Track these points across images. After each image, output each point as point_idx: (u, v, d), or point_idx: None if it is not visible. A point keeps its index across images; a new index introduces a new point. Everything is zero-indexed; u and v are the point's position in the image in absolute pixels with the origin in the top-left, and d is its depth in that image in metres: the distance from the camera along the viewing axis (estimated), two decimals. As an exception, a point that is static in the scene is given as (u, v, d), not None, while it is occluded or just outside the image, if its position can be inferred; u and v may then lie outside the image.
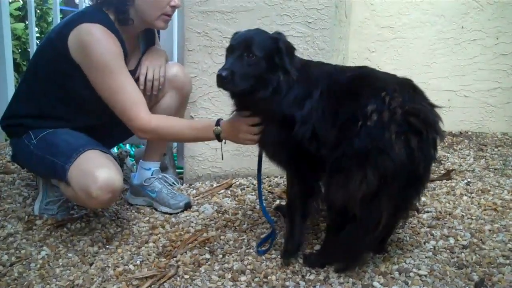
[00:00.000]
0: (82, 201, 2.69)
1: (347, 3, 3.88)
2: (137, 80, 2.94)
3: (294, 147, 2.39)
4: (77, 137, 2.80)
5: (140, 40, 3.04)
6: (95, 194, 2.56)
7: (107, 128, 2.93)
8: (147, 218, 3.09)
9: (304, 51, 3.24)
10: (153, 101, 3.09)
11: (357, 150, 2.09)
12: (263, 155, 2.68)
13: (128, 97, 2.67)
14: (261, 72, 2.32)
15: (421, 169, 2.13)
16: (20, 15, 5.77)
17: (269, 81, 2.34)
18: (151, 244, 2.78)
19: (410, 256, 2.48)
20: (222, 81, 2.26)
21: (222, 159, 2.90)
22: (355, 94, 2.21)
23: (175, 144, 3.88)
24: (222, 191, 3.36)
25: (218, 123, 2.60)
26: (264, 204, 2.85)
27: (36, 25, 4.22)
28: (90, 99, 2.76)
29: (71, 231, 2.94)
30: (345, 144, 2.14)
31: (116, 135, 3.13)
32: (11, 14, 4.30)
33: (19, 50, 5.36)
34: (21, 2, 5.95)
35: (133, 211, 3.20)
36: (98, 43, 2.60)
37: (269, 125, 2.48)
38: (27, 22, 5.60)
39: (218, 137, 2.61)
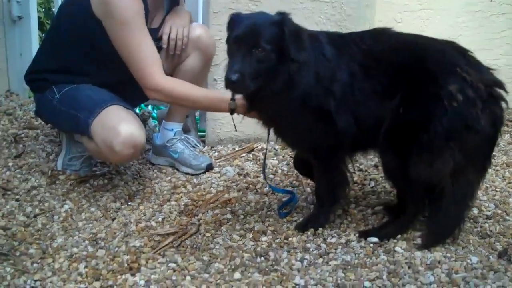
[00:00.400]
0: (105, 155, 2.72)
1: (376, -29, 3.82)
2: (160, 38, 2.93)
3: (325, 136, 2.35)
4: (100, 92, 2.81)
5: (165, 2, 3.01)
6: (117, 148, 2.58)
7: (130, 85, 2.90)
8: (169, 178, 3.11)
9: (331, 16, 3.22)
10: (176, 61, 3.09)
11: (445, 129, 2.10)
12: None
13: (145, 56, 2.67)
14: (271, 65, 2.19)
15: (499, 132, 2.23)
16: (45, -26, 5.77)
17: (278, 73, 2.21)
18: (173, 203, 2.80)
19: (433, 224, 2.47)
20: (232, 86, 2.17)
21: (236, 130, 2.85)
22: (419, 70, 2.18)
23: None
24: (244, 154, 3.36)
25: (233, 97, 2.56)
26: (272, 186, 2.87)
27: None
28: (113, 54, 2.75)
29: (93, 187, 2.97)
30: (426, 122, 2.13)
31: (139, 93, 3.12)
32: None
33: (43, 9, 5.37)
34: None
35: (155, 170, 3.21)
36: (119, 2, 2.59)
37: (290, 118, 2.38)
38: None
39: (232, 111, 2.60)
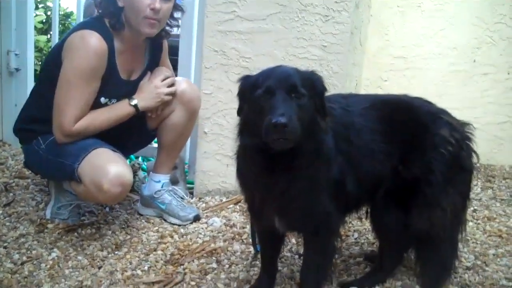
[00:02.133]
0: (93, 195, 2.78)
1: (362, 31, 3.98)
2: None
3: (336, 202, 2.16)
4: (85, 139, 2.88)
5: (146, 54, 3.13)
6: (106, 187, 2.65)
7: (119, 136, 3.00)
8: (156, 228, 3.15)
9: (318, 73, 3.32)
10: (161, 117, 3.17)
11: (444, 176, 2.18)
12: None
13: (71, 109, 2.77)
14: (310, 116, 1.96)
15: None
16: (43, 28, 5.93)
17: (316, 128, 2.00)
18: (159, 252, 2.83)
19: (414, 274, 2.52)
20: (283, 129, 1.81)
21: (256, 250, 2.73)
22: (411, 123, 2.25)
23: (187, 158, 3.95)
24: (231, 206, 3.41)
25: (131, 97, 2.85)
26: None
27: (58, 39, 4.33)
28: (96, 104, 2.87)
29: (81, 236, 3.00)
30: (427, 175, 2.18)
31: (130, 144, 3.22)
32: (34, 27, 4.41)
33: (40, 62, 5.51)
34: (45, 16, 6.14)
35: (143, 220, 3.25)
36: (81, 52, 2.75)
37: (312, 186, 2.09)
38: (49, 35, 5.78)
39: (137, 108, 2.87)
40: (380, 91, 4.50)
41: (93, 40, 2.74)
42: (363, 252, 2.80)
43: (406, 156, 2.21)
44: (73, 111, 2.77)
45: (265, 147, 1.92)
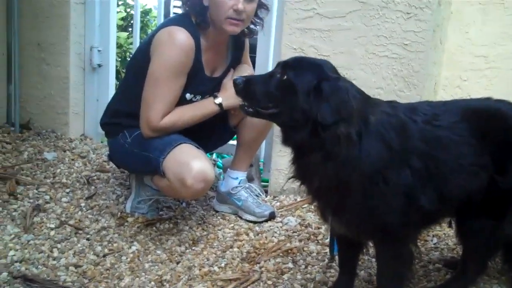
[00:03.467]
0: (176, 190, 2.80)
1: (443, 29, 3.83)
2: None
3: (401, 215, 2.04)
4: (170, 134, 2.90)
5: (229, 51, 3.13)
6: (189, 182, 2.67)
7: (202, 132, 3.01)
8: (232, 225, 3.14)
9: (398, 72, 3.23)
10: (241, 115, 3.15)
11: None
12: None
13: (160, 103, 2.80)
14: (291, 101, 1.96)
15: None
16: (123, 25, 6.06)
17: (304, 117, 1.94)
18: (235, 249, 2.83)
19: (498, 283, 2.41)
20: (234, 87, 2.12)
21: (332, 257, 2.63)
22: (503, 132, 2.15)
23: (262, 156, 3.92)
24: (306, 205, 3.36)
25: (215, 95, 2.90)
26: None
27: (139, 35, 4.40)
28: (181, 100, 2.88)
29: (159, 230, 3.03)
30: None
31: (211, 140, 3.22)
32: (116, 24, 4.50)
33: (120, 58, 5.62)
34: (125, 13, 6.26)
35: (219, 217, 3.25)
36: (169, 48, 2.77)
37: (355, 197, 2.02)
38: (129, 32, 5.88)
39: (221, 106, 2.91)
40: (459, 91, 4.31)
41: (181, 36, 2.75)
42: (443, 258, 2.68)
43: (502, 166, 2.10)
44: (161, 107, 2.79)
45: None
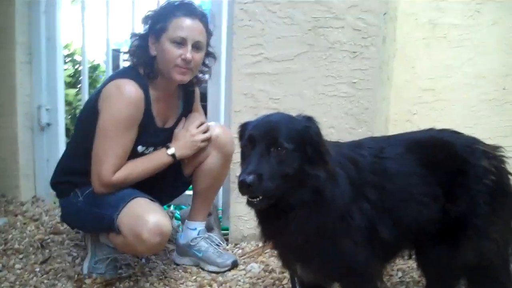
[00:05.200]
0: (133, 246, 2.73)
1: (389, 65, 3.92)
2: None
3: (368, 253, 2.06)
4: (122, 189, 2.84)
5: (180, 101, 3.13)
6: (145, 237, 2.61)
7: (156, 184, 2.96)
8: (194, 277, 3.07)
9: (349, 110, 3.28)
10: (196, 162, 3.14)
11: (490, 207, 2.12)
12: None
13: (110, 158, 2.75)
14: (295, 169, 1.90)
15: None
16: (72, 82, 5.99)
17: (306, 179, 1.92)
18: (199, 303, 2.75)
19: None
20: (248, 189, 1.81)
21: None
22: (452, 160, 2.18)
23: (220, 204, 3.88)
24: (268, 250, 3.31)
25: (168, 146, 2.87)
26: None
27: (88, 91, 4.36)
28: (133, 153, 2.85)
29: (119, 290, 2.93)
30: (474, 208, 2.12)
31: (166, 192, 3.17)
32: (64, 81, 4.45)
33: (70, 116, 5.54)
34: (73, 69, 6.20)
35: (180, 270, 3.17)
36: (118, 101, 2.74)
37: (328, 240, 2.01)
38: (78, 88, 5.82)
39: (174, 157, 2.87)
40: (409, 125, 4.38)
41: (130, 89, 2.74)
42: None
43: (452, 194, 2.14)
44: (112, 161, 2.74)
45: None
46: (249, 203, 1.90)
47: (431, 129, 2.38)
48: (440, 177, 2.15)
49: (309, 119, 2.02)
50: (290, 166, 1.88)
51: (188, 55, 2.78)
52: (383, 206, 2.08)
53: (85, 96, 4.29)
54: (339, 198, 1.98)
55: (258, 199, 1.85)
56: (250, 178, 1.79)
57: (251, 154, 1.89)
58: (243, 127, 2.10)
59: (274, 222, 1.99)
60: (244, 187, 1.80)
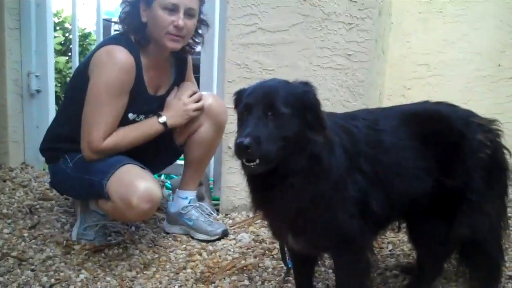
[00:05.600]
0: (122, 212, 2.74)
1: (384, 39, 3.91)
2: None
3: (358, 223, 2.04)
4: (113, 156, 2.85)
5: (172, 69, 3.11)
6: (135, 203, 2.63)
7: (147, 152, 2.97)
8: (184, 246, 3.08)
9: (344, 82, 3.27)
10: (188, 131, 3.14)
11: (485, 181, 2.12)
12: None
13: (101, 122, 2.75)
14: (293, 133, 1.86)
15: None
16: (62, 49, 5.96)
17: (304, 144, 1.88)
18: (189, 270, 2.77)
19: (455, 285, 2.46)
20: (245, 151, 1.76)
21: (287, 267, 2.62)
22: (447, 133, 2.16)
23: (211, 174, 3.89)
24: (259, 221, 3.33)
25: (159, 114, 2.87)
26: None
27: (78, 59, 4.32)
28: (124, 120, 2.85)
29: (108, 257, 2.95)
30: (469, 182, 2.12)
31: (157, 161, 3.17)
32: (54, 49, 4.41)
33: (59, 83, 5.51)
34: (63, 37, 6.16)
35: (170, 239, 3.19)
36: (109, 67, 2.73)
37: (319, 208, 1.99)
38: (68, 56, 5.78)
39: (166, 125, 2.87)
40: (404, 100, 4.40)
41: (121, 55, 2.71)
42: (399, 264, 2.70)
43: (447, 167, 2.13)
44: (102, 128, 2.73)
45: None
46: (245, 168, 1.86)
47: (426, 102, 2.36)
48: (434, 150, 2.14)
49: (307, 84, 1.98)
50: (288, 131, 1.85)
51: (180, 22, 2.75)
52: (376, 178, 2.07)
53: (76, 64, 4.25)
54: (335, 167, 1.95)
55: (255, 163, 1.80)
56: (247, 140, 1.75)
57: (248, 119, 1.85)
58: (239, 94, 2.05)
59: (268, 190, 1.96)
60: (241, 149, 1.77)
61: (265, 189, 1.97)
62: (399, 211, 2.21)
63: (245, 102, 1.90)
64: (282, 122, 1.84)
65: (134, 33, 2.85)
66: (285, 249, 2.51)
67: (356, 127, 2.13)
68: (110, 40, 2.88)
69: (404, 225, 2.40)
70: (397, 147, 2.13)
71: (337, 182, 1.98)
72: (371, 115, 2.24)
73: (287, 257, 2.55)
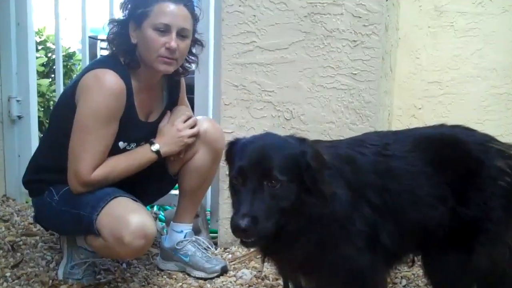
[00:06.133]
0: (114, 250, 2.74)
1: (392, 56, 3.96)
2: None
3: (372, 260, 2.09)
4: (102, 188, 2.85)
5: (164, 93, 3.14)
6: (127, 240, 2.62)
7: (138, 183, 2.99)
8: (180, 284, 3.09)
9: (349, 104, 3.30)
10: (183, 159, 3.16)
11: (504, 210, 2.14)
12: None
13: (86, 154, 2.76)
14: (291, 201, 1.88)
15: None
16: (45, 71, 5.99)
17: (304, 208, 1.92)
18: (185, 311, 2.78)
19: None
20: (244, 235, 1.82)
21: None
22: (463, 160, 2.19)
23: (208, 205, 3.91)
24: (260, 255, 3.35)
25: (152, 141, 2.88)
26: None
27: (63, 82, 4.36)
28: (114, 149, 2.86)
29: (98, 297, 2.96)
30: (487, 212, 2.13)
31: (150, 192, 3.19)
32: (36, 71, 4.45)
33: (42, 108, 5.54)
34: (45, 58, 6.19)
35: (165, 276, 3.20)
36: (97, 93, 2.74)
37: (328, 252, 2.04)
38: (51, 78, 5.81)
39: (159, 154, 2.89)
40: (414, 121, 4.44)
41: (110, 79, 2.74)
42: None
43: (463, 196, 2.15)
44: (91, 158, 2.75)
45: None
46: (244, 244, 1.91)
47: (442, 125, 2.39)
48: (450, 177, 2.16)
49: (304, 142, 1.99)
50: (286, 200, 1.87)
51: (173, 44, 2.79)
52: (386, 209, 2.10)
53: (60, 87, 4.28)
54: (338, 210, 1.99)
55: (252, 239, 1.85)
56: (245, 222, 1.77)
57: (242, 192, 1.86)
58: (231, 147, 2.07)
59: (273, 244, 1.98)
60: (238, 232, 1.80)
61: (269, 243, 1.98)
62: (412, 243, 2.23)
63: (238, 166, 1.90)
64: (279, 192, 1.85)
65: (124, 55, 2.88)
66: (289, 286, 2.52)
67: (363, 155, 2.15)
68: (97, 63, 2.91)
69: (419, 258, 2.41)
70: (409, 174, 2.15)
71: (342, 221, 2.01)
72: (381, 139, 2.27)
73: None
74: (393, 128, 4.01)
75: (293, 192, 1.88)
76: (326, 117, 3.31)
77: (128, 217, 2.67)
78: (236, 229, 1.80)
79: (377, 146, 2.21)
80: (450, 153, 2.22)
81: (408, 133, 2.36)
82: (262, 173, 1.85)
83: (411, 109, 4.57)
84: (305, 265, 2.07)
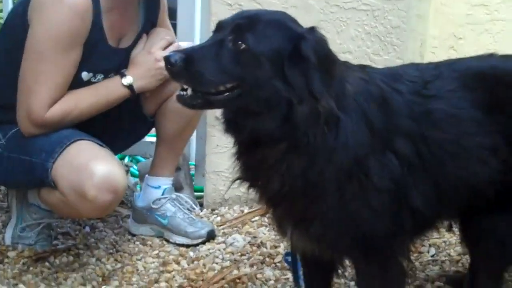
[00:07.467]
0: (74, 207, 2.73)
1: (427, -30, 3.91)
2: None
3: (389, 221, 2.07)
4: (59, 130, 2.83)
5: (140, 13, 3.09)
6: (91, 194, 2.59)
7: (106, 125, 2.98)
8: (156, 252, 3.13)
9: (372, 29, 3.28)
10: (160, 97, 3.15)
11: None
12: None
13: (41, 87, 2.71)
14: (255, 79, 1.87)
15: None
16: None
17: (275, 101, 1.88)
18: (162, 284, 2.82)
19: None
20: (168, 68, 1.88)
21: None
22: None
23: (192, 155, 3.91)
24: (257, 218, 3.37)
25: (123, 73, 2.85)
26: None
27: None
28: (75, 81, 2.83)
29: (55, 267, 2.99)
30: None
31: (120, 137, 3.18)
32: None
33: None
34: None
35: (137, 242, 3.23)
36: (56, 10, 2.67)
37: (331, 198, 2.01)
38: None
39: (132, 89, 2.85)
40: (453, 53, 4.40)
41: None
42: (445, 273, 2.75)
43: None
44: (46, 92, 2.72)
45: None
46: (177, 97, 1.95)
47: (492, 55, 2.34)
48: (504, 123, 2.14)
49: (312, 30, 1.94)
50: (247, 72, 1.87)
51: None
52: (420, 162, 2.07)
53: (8, 5, 4.26)
54: (344, 149, 1.96)
55: (186, 92, 1.91)
56: (176, 56, 1.83)
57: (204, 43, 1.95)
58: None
59: (249, 161, 2.04)
60: (166, 64, 1.87)
61: (246, 160, 2.05)
62: (451, 206, 2.22)
63: (218, 21, 1.98)
64: (242, 58, 1.86)
65: None
66: (296, 259, 2.52)
67: (398, 93, 2.12)
68: None
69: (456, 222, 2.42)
70: (454, 120, 2.12)
71: (350, 167, 1.98)
72: (421, 75, 2.21)
73: (299, 267, 2.57)
74: (426, 62, 3.98)
75: (265, 72, 1.86)
76: (342, 46, 3.28)
77: (91, 166, 2.64)
78: (164, 61, 1.88)
79: (416, 84, 2.17)
80: (504, 92, 2.18)
81: (454, 67, 2.30)
82: (234, 28, 1.88)
83: (449, 38, 4.53)
84: (300, 216, 2.07)
